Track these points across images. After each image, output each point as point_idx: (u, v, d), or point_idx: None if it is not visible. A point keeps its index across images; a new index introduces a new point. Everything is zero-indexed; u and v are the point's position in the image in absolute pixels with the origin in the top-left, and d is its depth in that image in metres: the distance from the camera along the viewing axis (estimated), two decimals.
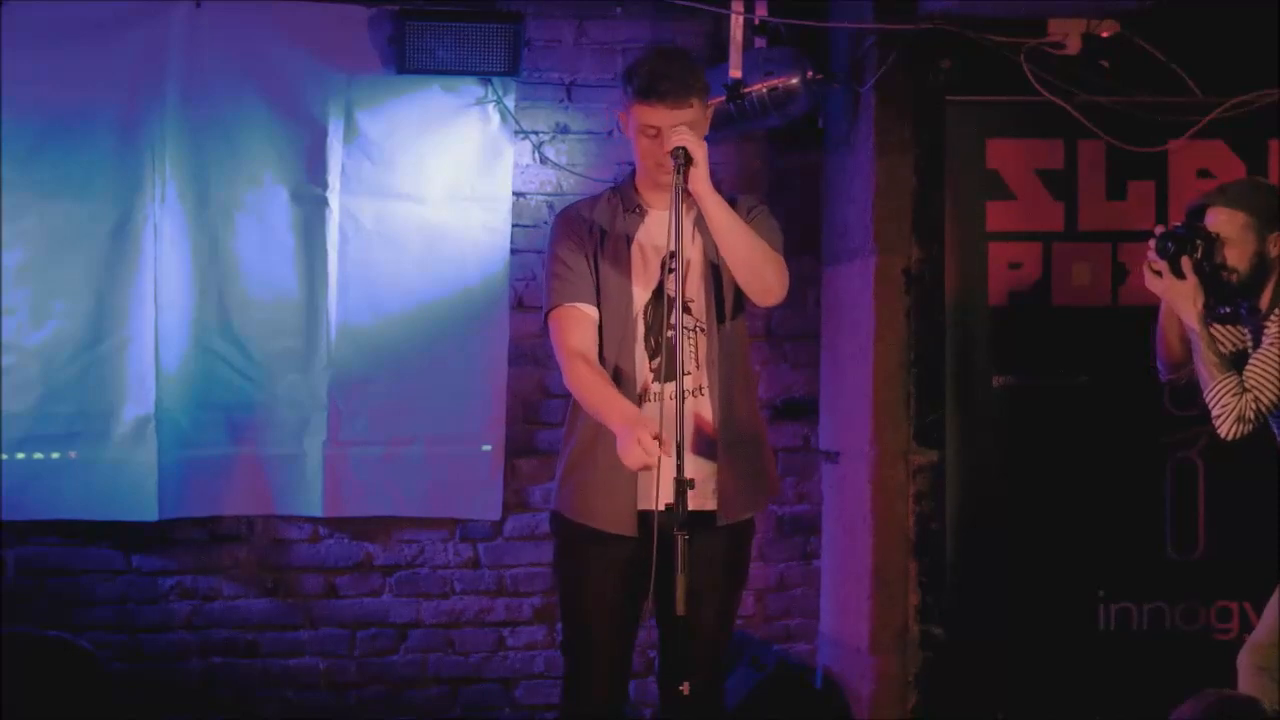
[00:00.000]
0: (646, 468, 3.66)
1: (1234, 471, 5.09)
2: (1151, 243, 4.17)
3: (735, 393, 3.98)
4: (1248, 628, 5.11)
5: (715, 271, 3.94)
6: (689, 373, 3.87)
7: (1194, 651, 5.16)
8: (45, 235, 5.21)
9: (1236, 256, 4.14)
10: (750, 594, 5.69)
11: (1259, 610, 4.85)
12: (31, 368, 5.23)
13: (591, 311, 3.93)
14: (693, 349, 3.90)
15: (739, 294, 3.96)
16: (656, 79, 3.81)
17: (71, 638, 5.02)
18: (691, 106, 3.82)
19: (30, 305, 5.22)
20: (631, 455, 3.67)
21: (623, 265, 3.92)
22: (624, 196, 4.00)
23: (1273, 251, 4.15)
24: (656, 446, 3.62)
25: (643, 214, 3.96)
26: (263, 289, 5.36)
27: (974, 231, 5.26)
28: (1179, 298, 4.13)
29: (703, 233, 3.93)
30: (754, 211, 3.97)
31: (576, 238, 3.96)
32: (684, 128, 3.76)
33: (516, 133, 5.50)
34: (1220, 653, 4.79)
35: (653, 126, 3.81)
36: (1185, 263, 4.10)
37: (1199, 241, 4.12)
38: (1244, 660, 4.30)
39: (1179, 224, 4.20)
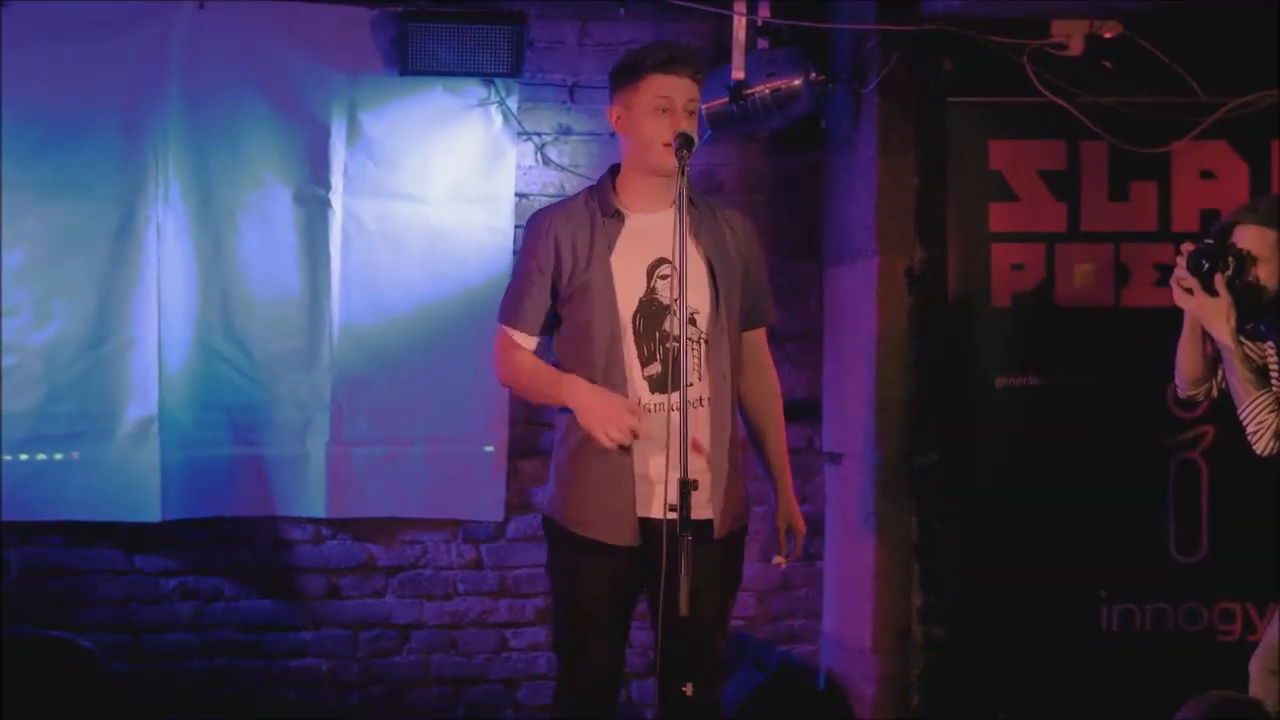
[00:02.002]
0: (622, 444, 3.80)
1: (1237, 472, 5.06)
2: (1180, 260, 4.12)
3: (733, 405, 3.98)
4: (1250, 629, 5.12)
5: (717, 280, 3.91)
6: (691, 384, 3.82)
7: (1197, 653, 5.15)
8: (48, 235, 5.21)
9: (1268, 274, 4.11)
10: (753, 595, 5.70)
11: (1262, 611, 4.86)
12: (34, 368, 5.22)
13: (525, 340, 3.98)
14: (696, 360, 3.88)
15: (743, 304, 3.98)
16: (677, 51, 3.91)
17: (74, 638, 5.01)
18: (699, 87, 3.90)
19: (33, 305, 5.22)
20: (619, 431, 3.78)
21: (604, 276, 3.87)
22: (601, 200, 3.96)
23: None
24: (629, 434, 3.76)
25: (621, 219, 3.92)
26: (265, 289, 5.36)
27: (976, 232, 5.25)
28: (1213, 315, 4.09)
29: (703, 240, 3.92)
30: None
31: (539, 258, 3.93)
32: (691, 117, 3.83)
33: (519, 134, 5.50)
34: (1223, 654, 4.79)
35: (668, 98, 3.83)
36: (1219, 280, 4.07)
37: (1231, 259, 4.09)
38: (1255, 665, 4.27)
39: (1208, 240, 4.15)
